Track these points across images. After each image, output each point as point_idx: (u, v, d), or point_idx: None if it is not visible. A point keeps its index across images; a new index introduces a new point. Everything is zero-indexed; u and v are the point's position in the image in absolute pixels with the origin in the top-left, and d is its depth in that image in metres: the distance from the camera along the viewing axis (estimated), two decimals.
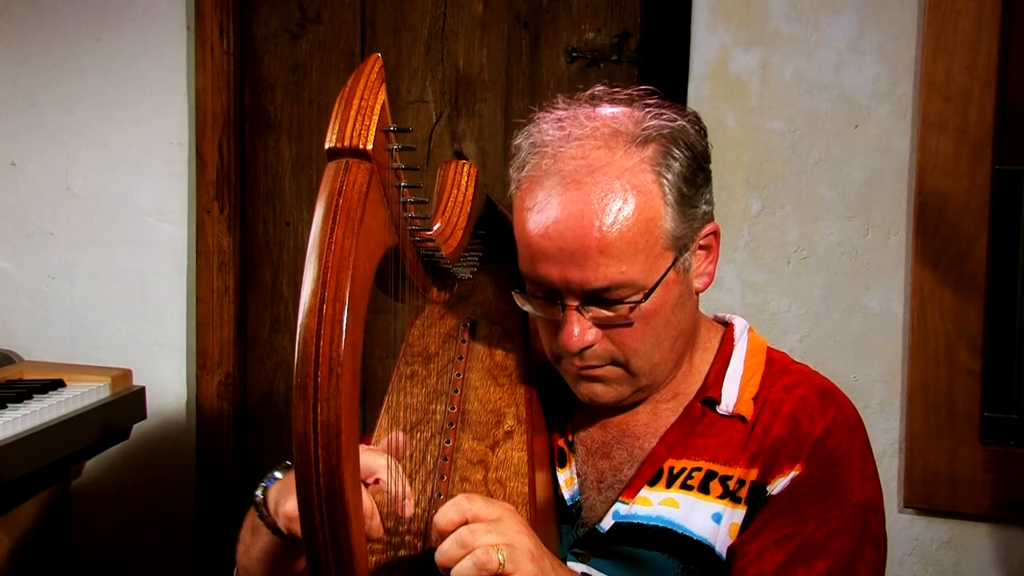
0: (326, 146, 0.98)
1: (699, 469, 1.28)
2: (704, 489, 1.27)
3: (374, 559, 1.19)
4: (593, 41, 2.46)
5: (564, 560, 1.29)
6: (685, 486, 1.27)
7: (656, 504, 1.28)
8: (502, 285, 1.43)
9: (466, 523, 1.06)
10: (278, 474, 1.21)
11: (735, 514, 1.26)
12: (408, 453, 1.28)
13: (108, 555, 2.71)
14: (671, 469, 1.29)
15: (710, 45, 2.22)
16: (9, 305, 2.73)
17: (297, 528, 0.98)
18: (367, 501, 1.08)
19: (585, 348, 1.24)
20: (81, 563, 2.55)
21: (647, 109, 1.24)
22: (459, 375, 1.37)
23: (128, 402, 2.28)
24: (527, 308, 1.30)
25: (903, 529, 2.14)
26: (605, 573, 1.29)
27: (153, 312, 2.68)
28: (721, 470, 1.27)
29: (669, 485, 1.28)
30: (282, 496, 1.15)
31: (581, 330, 1.23)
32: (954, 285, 2.08)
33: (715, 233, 1.29)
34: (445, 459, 1.28)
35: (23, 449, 1.92)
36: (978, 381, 2.08)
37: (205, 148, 2.63)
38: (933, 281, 2.10)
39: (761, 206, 2.21)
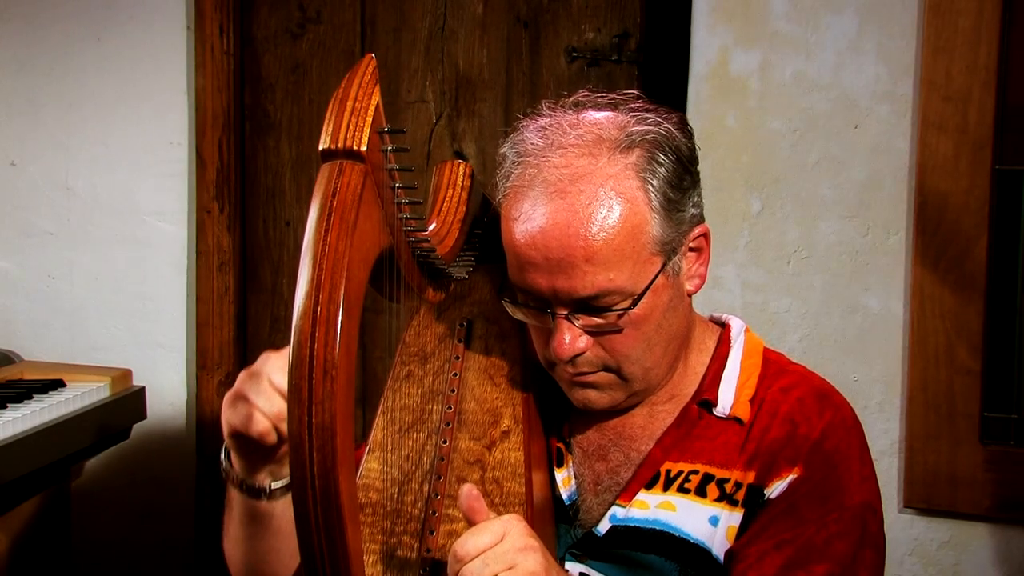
0: (320, 148, 0.98)
1: (696, 472, 1.28)
2: (701, 492, 1.27)
3: (371, 559, 1.19)
4: (593, 41, 2.46)
5: (562, 560, 1.29)
6: (682, 489, 1.27)
7: (653, 507, 1.27)
8: (498, 285, 1.43)
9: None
10: None
11: (732, 517, 1.25)
12: (405, 453, 1.28)
13: (108, 555, 2.71)
14: (668, 472, 1.28)
15: (710, 45, 2.22)
16: (9, 305, 2.73)
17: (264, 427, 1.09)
18: None
19: (576, 355, 1.24)
20: (81, 563, 2.55)
21: (631, 114, 1.23)
22: (455, 375, 1.36)
23: (128, 402, 2.28)
24: (518, 316, 1.29)
25: (903, 529, 2.14)
26: (603, 574, 1.29)
27: (153, 312, 2.68)
28: (718, 473, 1.27)
29: (666, 488, 1.28)
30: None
31: (572, 338, 1.22)
32: (954, 285, 2.08)
33: (705, 235, 1.28)
34: (442, 459, 1.28)
35: (23, 449, 1.92)
36: (978, 381, 2.08)
37: (205, 148, 2.63)
38: (933, 281, 2.09)
39: (761, 206, 2.20)
